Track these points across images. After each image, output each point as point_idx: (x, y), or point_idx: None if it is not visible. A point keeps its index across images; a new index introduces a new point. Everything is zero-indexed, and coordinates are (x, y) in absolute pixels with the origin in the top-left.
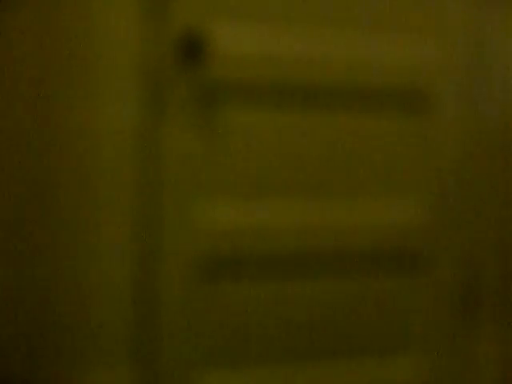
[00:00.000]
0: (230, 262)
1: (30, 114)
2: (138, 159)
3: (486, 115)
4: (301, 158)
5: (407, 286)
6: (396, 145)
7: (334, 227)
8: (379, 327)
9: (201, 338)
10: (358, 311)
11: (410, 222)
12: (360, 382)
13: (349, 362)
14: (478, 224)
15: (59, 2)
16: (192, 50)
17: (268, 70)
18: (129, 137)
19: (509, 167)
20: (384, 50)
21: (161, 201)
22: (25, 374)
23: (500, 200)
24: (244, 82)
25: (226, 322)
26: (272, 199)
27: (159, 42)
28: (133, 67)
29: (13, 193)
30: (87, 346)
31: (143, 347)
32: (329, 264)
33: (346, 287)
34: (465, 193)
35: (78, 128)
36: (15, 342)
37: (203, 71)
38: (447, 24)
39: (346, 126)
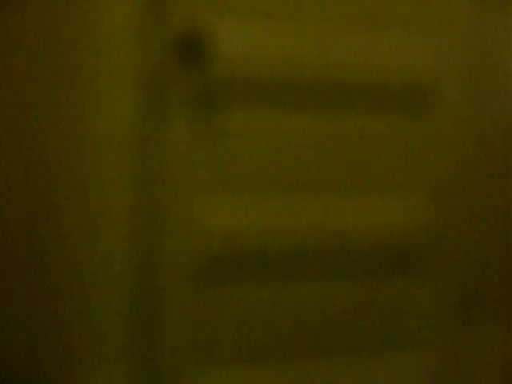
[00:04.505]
0: (231, 262)
1: (29, 113)
2: (138, 159)
3: (488, 115)
4: (301, 158)
5: (407, 286)
6: (396, 144)
7: (334, 227)
8: (379, 327)
9: (201, 337)
10: (358, 311)
11: (410, 221)
12: (359, 382)
13: (348, 361)
14: (478, 224)
15: (58, 1)
16: (193, 49)
17: (269, 70)
18: (129, 136)
19: (509, 167)
20: (385, 50)
21: (161, 201)
22: (25, 373)
23: (501, 200)
24: (245, 82)
25: (226, 322)
26: (272, 199)
27: (160, 41)
28: (133, 67)
29: (12, 195)
30: (87, 346)
31: (143, 347)
32: (329, 264)
33: (346, 287)
34: (465, 193)
35: (78, 128)
36: (15, 342)
37: (204, 71)
38: (449, 23)
39: (346, 126)
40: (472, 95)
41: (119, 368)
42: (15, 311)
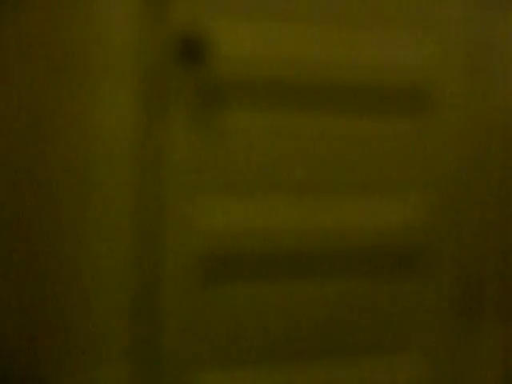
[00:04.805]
0: (230, 262)
1: (29, 114)
2: (138, 159)
3: (487, 115)
4: (301, 158)
5: (407, 286)
6: (396, 144)
7: (334, 227)
8: (379, 327)
9: (201, 337)
10: (358, 311)
11: (410, 221)
12: (359, 382)
13: (348, 361)
14: (478, 224)
15: (59, 1)
16: (192, 50)
17: (268, 70)
18: (129, 137)
19: (509, 167)
20: (384, 50)
21: (161, 201)
22: (25, 373)
23: (500, 199)
24: (244, 82)
25: (226, 322)
26: (272, 199)
27: (160, 42)
28: (133, 67)
29: (12, 194)
30: (87, 346)
31: (143, 347)
32: (329, 264)
33: (345, 287)
34: (465, 192)
35: (78, 129)
36: (15, 341)
37: (204, 71)
38: (448, 23)
39: (346, 126)
40: (472, 95)
41: (120, 368)
42: (16, 311)
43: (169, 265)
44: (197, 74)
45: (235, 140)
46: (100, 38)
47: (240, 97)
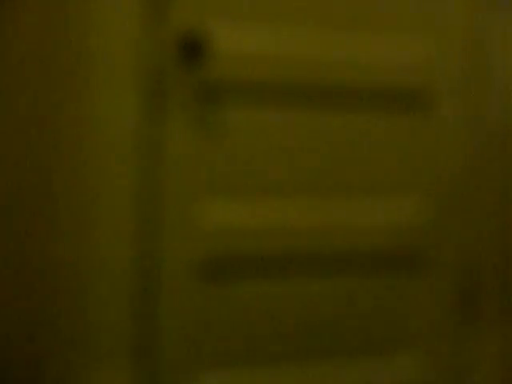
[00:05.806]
0: (230, 261)
1: (30, 114)
2: (138, 159)
3: (486, 115)
4: (301, 158)
5: (407, 286)
6: (396, 144)
7: (334, 227)
8: (379, 327)
9: (201, 337)
10: (358, 311)
11: (410, 221)
12: (360, 381)
13: (349, 361)
14: (477, 224)
15: (59, 1)
16: (192, 50)
17: (268, 70)
18: (129, 136)
19: (508, 167)
20: (384, 50)
21: (161, 201)
22: (25, 373)
23: (500, 200)
24: (244, 82)
25: (225, 322)
26: (272, 199)
27: (160, 42)
28: (133, 67)
29: (12, 193)
30: (87, 347)
31: (143, 347)
32: (329, 264)
33: (345, 287)
34: (465, 193)
35: (79, 128)
36: (15, 342)
37: (203, 71)
38: (446, 24)
39: (345, 126)
40: (470, 96)
41: (119, 368)
42: (15, 312)
43: (169, 265)
44: (197, 74)
45: (235, 139)
46: (101, 38)
47: (240, 96)
